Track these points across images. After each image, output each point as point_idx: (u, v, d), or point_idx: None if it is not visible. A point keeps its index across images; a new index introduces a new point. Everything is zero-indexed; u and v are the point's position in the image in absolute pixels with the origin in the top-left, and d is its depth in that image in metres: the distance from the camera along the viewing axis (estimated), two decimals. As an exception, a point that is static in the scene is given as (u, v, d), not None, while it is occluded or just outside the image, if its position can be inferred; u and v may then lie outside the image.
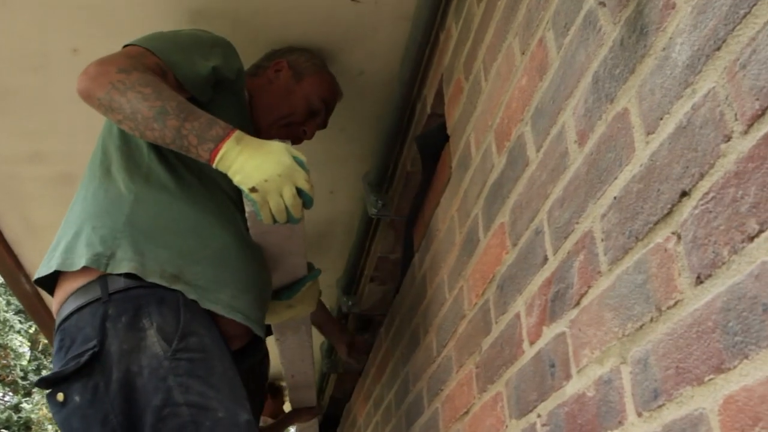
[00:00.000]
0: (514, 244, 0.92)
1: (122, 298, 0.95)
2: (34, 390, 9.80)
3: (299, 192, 0.96)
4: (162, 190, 1.04)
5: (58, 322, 1.00)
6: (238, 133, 0.97)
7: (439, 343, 1.32)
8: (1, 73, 1.42)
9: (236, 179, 0.95)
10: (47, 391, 0.95)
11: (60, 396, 0.93)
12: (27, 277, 2.09)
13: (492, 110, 1.03)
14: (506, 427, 0.93)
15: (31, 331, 9.89)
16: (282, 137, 1.19)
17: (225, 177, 0.97)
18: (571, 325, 0.73)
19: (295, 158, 0.97)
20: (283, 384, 2.56)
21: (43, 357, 10.10)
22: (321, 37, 1.42)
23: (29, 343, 10.11)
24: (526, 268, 0.87)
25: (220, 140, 0.95)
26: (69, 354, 0.94)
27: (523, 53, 0.91)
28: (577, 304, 0.71)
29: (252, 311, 1.05)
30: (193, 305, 0.97)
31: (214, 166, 0.95)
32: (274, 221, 0.97)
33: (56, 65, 1.40)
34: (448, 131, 1.30)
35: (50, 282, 1.05)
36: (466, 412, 1.11)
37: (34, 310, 2.27)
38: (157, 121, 0.95)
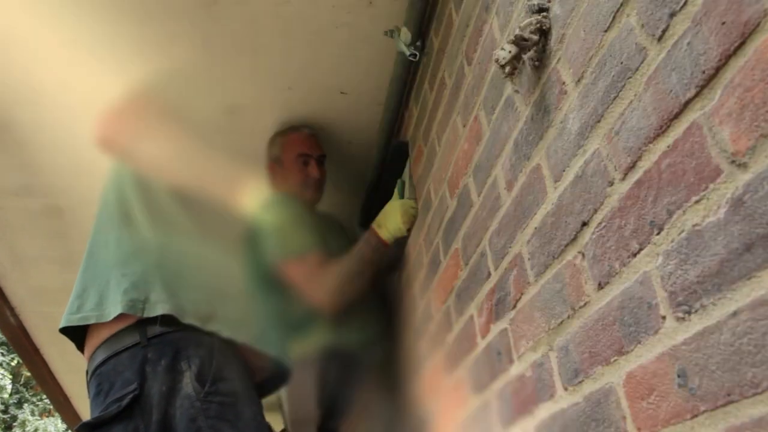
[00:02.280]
0: (466, 264, 0.91)
1: (161, 342, 0.78)
2: (15, 424, 7.18)
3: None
4: (185, 234, 0.90)
5: (92, 367, 0.81)
6: (374, 225, 1.19)
7: (415, 339, 1.29)
8: None
9: (397, 235, 1.18)
10: None
11: None
12: (11, 309, 1.62)
13: (445, 167, 1.04)
14: (468, 402, 0.90)
15: (13, 363, 7.29)
16: (310, 197, 1.38)
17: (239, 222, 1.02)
18: (510, 322, 0.72)
19: (401, 197, 1.19)
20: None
21: (24, 390, 7.45)
22: (320, 118, 1.44)
23: (11, 376, 7.56)
24: (475, 281, 0.86)
25: (377, 238, 1.18)
26: (109, 398, 0.76)
27: (464, 126, 0.92)
28: (514, 306, 0.70)
29: (280, 344, 0.98)
30: (226, 349, 0.81)
31: (389, 245, 1.18)
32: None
33: (49, 100, 1.08)
34: (414, 182, 1.31)
35: (74, 329, 0.85)
36: (438, 392, 1.08)
37: (18, 342, 1.76)
38: (364, 275, 1.18)
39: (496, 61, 0.60)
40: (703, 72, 0.38)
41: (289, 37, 1.18)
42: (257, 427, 0.81)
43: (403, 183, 1.31)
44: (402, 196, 1.26)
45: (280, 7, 1.11)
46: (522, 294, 0.68)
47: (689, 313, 0.39)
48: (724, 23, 0.36)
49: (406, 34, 1.09)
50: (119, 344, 0.79)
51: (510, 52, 0.58)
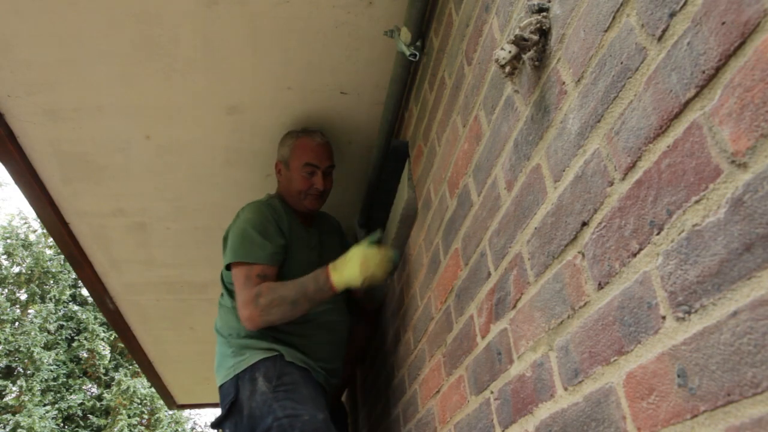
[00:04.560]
0: (466, 264, 0.91)
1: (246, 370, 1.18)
2: (112, 383, 9.78)
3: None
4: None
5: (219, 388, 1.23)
6: (330, 266, 1.17)
7: (415, 339, 1.29)
8: (97, 155, 1.47)
9: (351, 284, 1.14)
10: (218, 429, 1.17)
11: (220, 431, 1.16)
12: (111, 298, 2.18)
13: (445, 167, 1.04)
14: (468, 402, 0.90)
15: (111, 338, 9.92)
16: (310, 206, 1.35)
17: None
18: (510, 322, 0.72)
19: (368, 244, 1.17)
20: None
21: (120, 357, 10.15)
22: (321, 119, 1.44)
23: (110, 347, 10.18)
24: (475, 281, 0.87)
25: (328, 280, 1.15)
26: (222, 405, 1.17)
27: (464, 126, 0.92)
28: (514, 306, 0.70)
29: (325, 365, 1.25)
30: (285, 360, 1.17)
31: (338, 290, 1.16)
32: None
33: (134, 147, 1.46)
34: (414, 183, 1.31)
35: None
36: (438, 392, 1.08)
37: (115, 322, 2.35)
38: (297, 306, 1.15)
39: (496, 61, 0.60)
40: (703, 72, 0.38)
41: (289, 37, 1.18)
42: (312, 399, 1.12)
43: (381, 233, 1.30)
44: (376, 242, 1.21)
45: (279, 7, 1.11)
46: (522, 294, 0.68)
47: (689, 313, 0.39)
48: (723, 23, 0.36)
49: (406, 34, 1.08)
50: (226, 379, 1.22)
51: (510, 52, 0.58)
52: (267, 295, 1.14)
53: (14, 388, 8.83)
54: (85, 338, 9.64)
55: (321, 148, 1.35)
